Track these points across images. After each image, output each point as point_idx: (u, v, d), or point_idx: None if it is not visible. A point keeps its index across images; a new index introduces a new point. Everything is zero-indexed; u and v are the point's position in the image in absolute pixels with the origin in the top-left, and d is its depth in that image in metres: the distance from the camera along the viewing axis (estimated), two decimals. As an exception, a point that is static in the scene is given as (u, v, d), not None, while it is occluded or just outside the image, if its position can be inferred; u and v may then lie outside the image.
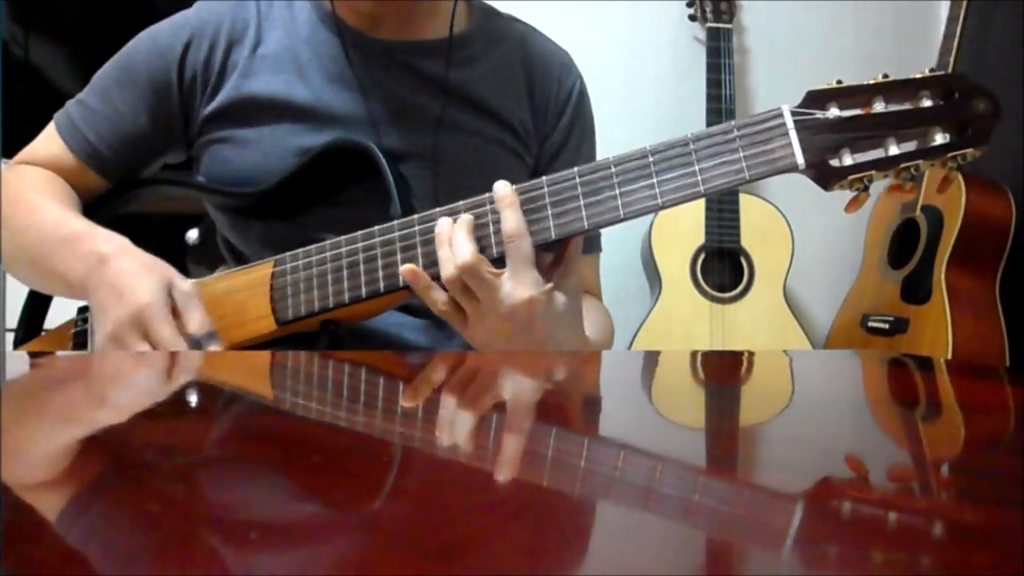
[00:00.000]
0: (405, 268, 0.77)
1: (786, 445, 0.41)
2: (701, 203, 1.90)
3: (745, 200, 1.91)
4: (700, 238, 1.90)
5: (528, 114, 0.98)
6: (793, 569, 0.25)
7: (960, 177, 1.77)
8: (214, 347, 0.80)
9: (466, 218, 0.76)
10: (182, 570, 0.23)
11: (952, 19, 1.87)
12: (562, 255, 0.78)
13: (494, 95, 0.96)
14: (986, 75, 1.87)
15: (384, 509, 0.30)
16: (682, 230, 1.91)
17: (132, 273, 0.79)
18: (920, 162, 0.73)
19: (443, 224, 0.77)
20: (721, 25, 1.96)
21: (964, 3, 1.84)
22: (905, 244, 1.90)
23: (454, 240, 0.75)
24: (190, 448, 0.39)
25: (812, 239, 2.06)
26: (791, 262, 1.92)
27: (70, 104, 0.98)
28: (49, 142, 0.97)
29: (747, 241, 1.90)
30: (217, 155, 0.93)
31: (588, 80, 1.05)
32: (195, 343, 0.78)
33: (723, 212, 1.90)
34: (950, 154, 0.74)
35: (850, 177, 0.73)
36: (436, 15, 0.96)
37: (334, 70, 0.93)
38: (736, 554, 0.26)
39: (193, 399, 0.54)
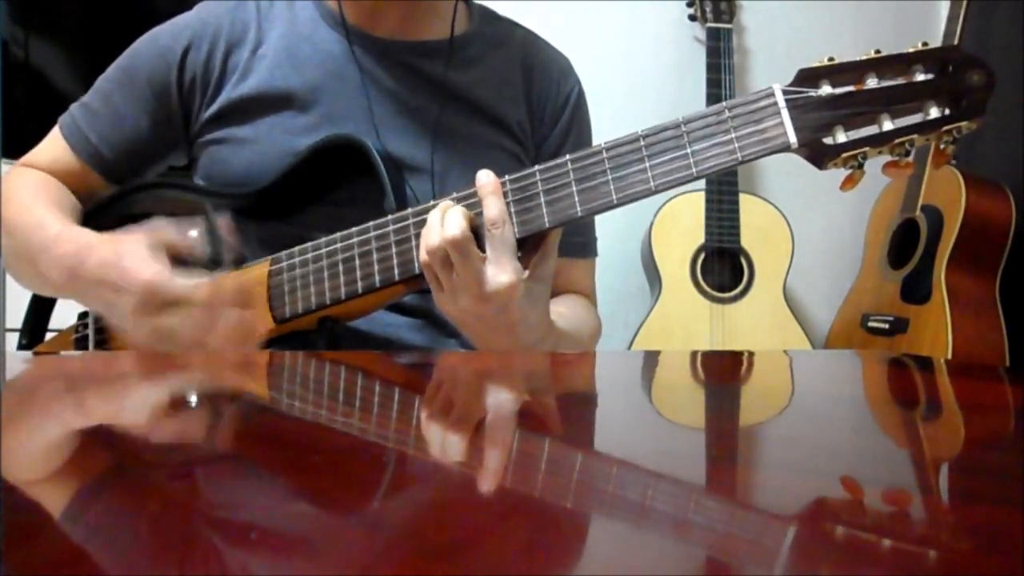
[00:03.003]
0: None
1: (786, 445, 0.41)
2: (701, 203, 1.90)
3: (745, 200, 1.91)
4: (700, 238, 1.90)
5: (526, 117, 0.99)
6: (794, 568, 0.25)
7: (960, 177, 1.77)
8: (229, 258, 0.81)
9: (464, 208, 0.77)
10: (182, 570, 0.23)
11: (952, 19, 1.86)
12: (540, 242, 0.78)
13: (492, 97, 0.96)
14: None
15: (384, 509, 0.30)
16: (682, 230, 1.91)
17: (113, 263, 0.79)
18: (915, 136, 0.72)
19: (443, 202, 0.77)
20: (721, 25, 1.96)
21: (964, 3, 1.84)
22: (905, 244, 1.90)
23: (447, 215, 0.75)
24: (190, 448, 0.39)
25: (812, 239, 2.06)
26: (791, 262, 1.92)
27: (74, 107, 0.98)
28: (53, 145, 0.98)
29: (747, 241, 1.90)
30: (215, 156, 0.93)
31: (588, 81, 1.05)
32: (210, 263, 0.79)
33: (723, 212, 1.90)
34: (945, 127, 0.73)
35: (844, 155, 0.72)
36: (436, 15, 0.96)
37: (333, 67, 0.93)
38: (736, 554, 0.26)
39: (193, 399, 0.54)
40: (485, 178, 0.76)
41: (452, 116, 0.94)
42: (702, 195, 1.90)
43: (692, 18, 2.03)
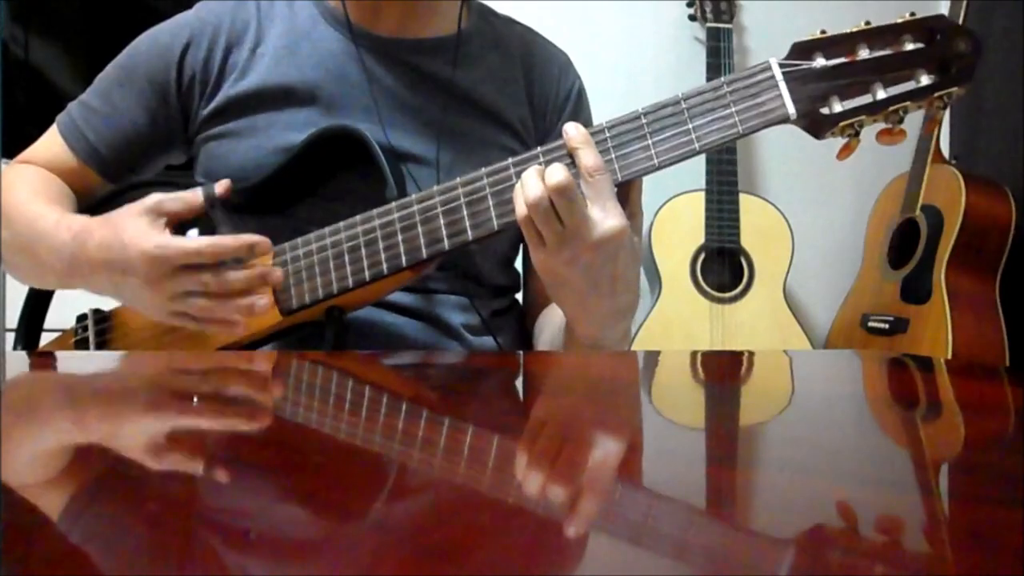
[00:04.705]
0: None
1: (786, 445, 0.41)
2: (701, 202, 1.90)
3: (745, 200, 1.91)
4: (700, 238, 1.90)
5: (528, 115, 0.99)
6: (796, 569, 0.25)
7: (960, 177, 1.77)
8: (220, 189, 0.83)
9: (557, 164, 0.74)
10: (182, 570, 0.23)
11: (952, 19, 1.87)
12: (624, 199, 0.77)
13: (494, 96, 0.96)
14: (986, 75, 1.88)
15: (384, 510, 0.30)
16: (682, 230, 1.91)
17: (113, 242, 0.79)
18: (908, 103, 0.75)
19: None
20: (721, 25, 1.96)
21: (964, 3, 1.84)
22: (905, 244, 1.90)
23: (548, 167, 0.73)
24: (190, 449, 0.39)
25: (812, 239, 2.06)
26: (791, 262, 1.92)
27: (72, 105, 0.98)
28: (51, 142, 0.98)
29: (747, 241, 1.90)
30: (213, 151, 0.93)
31: (588, 80, 1.05)
32: (208, 202, 0.82)
33: (723, 212, 1.90)
34: (936, 94, 0.75)
35: (841, 124, 0.75)
36: (436, 13, 0.96)
37: (333, 65, 0.93)
38: (737, 556, 0.26)
39: (194, 399, 0.54)
40: (574, 130, 0.75)
41: (454, 114, 0.94)
42: (702, 194, 1.90)
43: (692, 18, 2.03)
